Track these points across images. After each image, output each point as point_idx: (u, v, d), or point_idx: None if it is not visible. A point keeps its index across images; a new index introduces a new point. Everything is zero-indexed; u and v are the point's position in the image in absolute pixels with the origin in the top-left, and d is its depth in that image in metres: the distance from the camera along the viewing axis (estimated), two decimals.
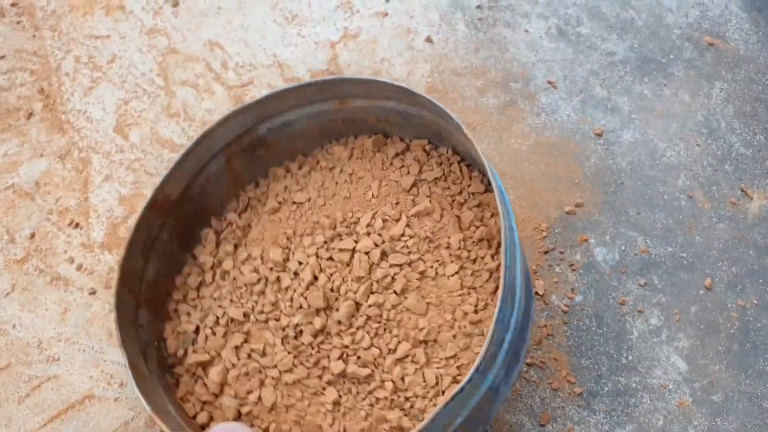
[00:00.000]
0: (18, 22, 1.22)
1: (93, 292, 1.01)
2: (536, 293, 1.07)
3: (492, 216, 0.87)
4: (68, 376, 0.95)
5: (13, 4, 1.23)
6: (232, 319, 0.87)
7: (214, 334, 0.88)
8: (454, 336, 0.79)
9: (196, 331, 0.89)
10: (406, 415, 0.77)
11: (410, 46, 1.27)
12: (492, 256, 0.83)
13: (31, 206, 1.07)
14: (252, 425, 0.82)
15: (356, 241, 0.85)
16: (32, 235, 1.05)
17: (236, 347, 0.86)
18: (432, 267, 0.83)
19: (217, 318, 0.88)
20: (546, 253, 1.11)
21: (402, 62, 1.26)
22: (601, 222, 1.14)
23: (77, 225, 1.06)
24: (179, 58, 1.21)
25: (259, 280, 0.88)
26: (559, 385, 1.01)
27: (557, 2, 1.37)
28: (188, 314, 0.91)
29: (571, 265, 1.10)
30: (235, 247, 0.93)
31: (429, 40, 1.29)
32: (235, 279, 0.90)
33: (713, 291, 1.09)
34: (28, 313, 0.99)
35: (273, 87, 1.20)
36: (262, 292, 0.87)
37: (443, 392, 0.76)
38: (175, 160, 0.89)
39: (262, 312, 0.86)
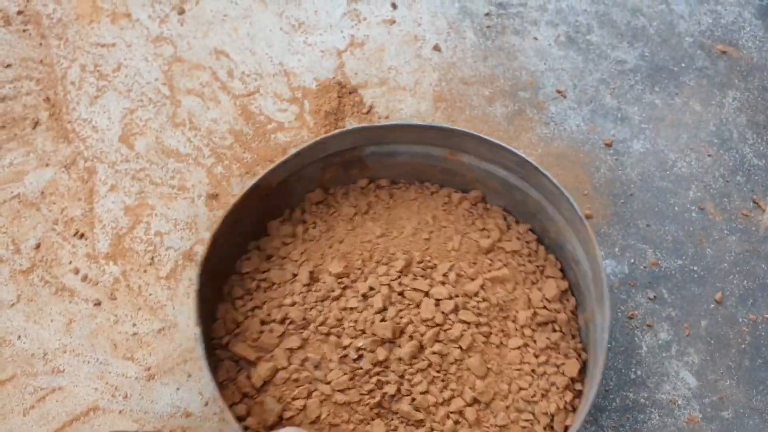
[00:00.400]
0: (24, 30, 1.22)
1: (98, 303, 1.01)
2: None
3: (561, 302, 0.93)
4: (73, 388, 0.95)
5: (19, 12, 1.23)
6: (292, 321, 0.87)
7: (271, 331, 0.88)
8: (507, 407, 0.83)
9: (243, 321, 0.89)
10: None
11: (418, 55, 1.26)
12: (554, 341, 0.89)
13: (36, 216, 1.06)
14: None
15: (431, 286, 0.88)
16: (37, 246, 1.04)
17: (291, 349, 0.86)
18: (497, 335, 0.88)
19: (273, 316, 0.88)
20: None
21: (409, 70, 1.25)
22: (610, 234, 1.13)
23: (82, 235, 1.05)
24: (185, 66, 1.20)
25: (325, 291, 0.89)
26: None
27: (567, 9, 1.35)
28: (242, 301, 0.91)
29: None
30: (303, 249, 0.94)
31: (437, 48, 1.28)
32: (297, 281, 0.90)
33: (724, 305, 1.08)
34: (33, 324, 0.99)
35: (279, 95, 1.19)
36: (327, 304, 0.88)
37: None
38: (290, 153, 0.92)
39: (323, 324, 0.87)
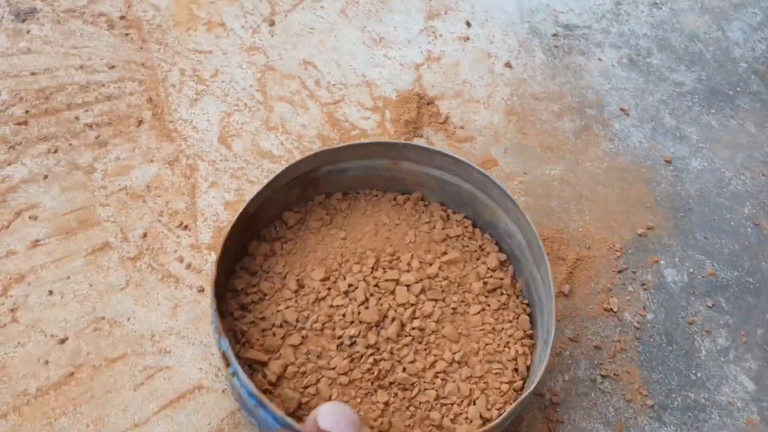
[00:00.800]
0: (126, 35, 1.31)
1: (201, 290, 1.09)
2: (611, 310, 1.14)
3: (502, 270, 1.11)
4: (179, 368, 1.03)
5: (121, 17, 1.32)
6: (289, 323, 1.00)
7: (273, 334, 1.00)
8: (480, 361, 1.01)
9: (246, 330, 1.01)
10: (444, 417, 0.96)
11: (491, 70, 1.35)
12: (503, 302, 1.07)
13: (142, 208, 1.15)
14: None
15: (400, 274, 1.06)
16: (144, 235, 1.13)
17: (294, 346, 0.99)
18: (460, 306, 1.05)
19: (272, 321, 1.01)
20: (620, 272, 1.17)
21: (482, 85, 1.33)
22: (671, 245, 1.21)
23: (186, 227, 1.14)
24: (276, 75, 1.29)
25: (313, 294, 1.03)
26: (632, 397, 1.07)
27: (629, 33, 1.44)
28: (242, 313, 1.02)
29: (643, 284, 1.17)
30: (284, 263, 1.08)
31: (508, 65, 1.36)
32: (286, 289, 1.04)
33: None
34: (141, 308, 1.07)
35: (362, 104, 1.28)
36: (317, 305, 1.02)
37: (474, 401, 0.97)
38: (268, 179, 1.03)
39: (317, 322, 1.01)
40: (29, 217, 1.12)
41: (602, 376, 1.08)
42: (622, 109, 1.34)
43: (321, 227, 1.12)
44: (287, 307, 1.02)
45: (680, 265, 1.19)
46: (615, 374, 1.09)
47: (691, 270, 1.19)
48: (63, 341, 1.03)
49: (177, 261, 1.11)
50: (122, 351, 1.04)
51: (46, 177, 1.16)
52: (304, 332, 1.00)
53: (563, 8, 1.47)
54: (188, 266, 1.11)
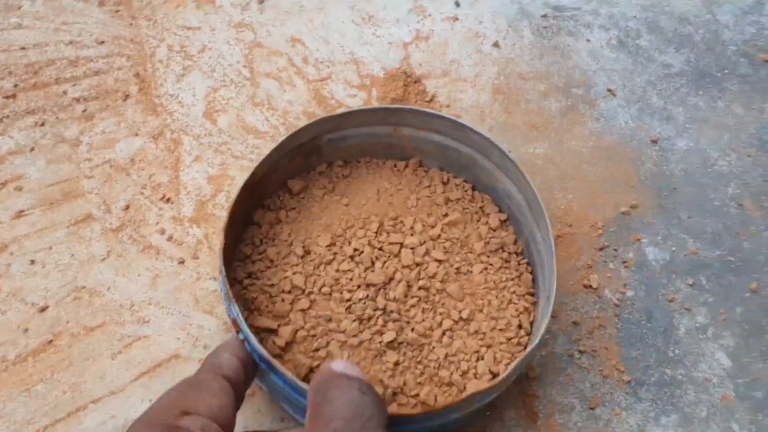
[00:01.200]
0: (116, 11, 1.32)
1: (182, 262, 1.10)
2: (590, 286, 1.14)
3: (503, 230, 1.13)
4: (157, 337, 1.04)
5: None
6: (297, 287, 1.02)
7: (282, 300, 1.01)
8: (485, 318, 1.03)
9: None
10: (453, 374, 0.98)
11: (479, 50, 1.35)
12: (505, 260, 1.09)
13: (126, 180, 1.16)
14: None
15: (404, 237, 1.08)
16: (127, 207, 1.14)
17: (303, 311, 1.00)
18: (463, 265, 1.07)
19: (280, 287, 1.02)
20: (601, 249, 1.17)
21: (470, 64, 1.33)
22: (653, 223, 1.20)
23: (168, 200, 1.15)
24: (264, 51, 1.30)
25: (319, 259, 1.05)
26: (609, 373, 1.07)
27: (618, 15, 1.43)
28: (250, 280, 1.03)
29: (624, 262, 1.17)
30: (289, 230, 1.09)
31: (496, 44, 1.36)
32: (293, 254, 1.05)
33: (759, 294, 1.15)
34: (121, 278, 1.08)
35: (349, 82, 1.29)
36: (324, 269, 1.04)
37: (482, 357, 0.99)
38: (271, 148, 1.04)
39: (325, 286, 1.02)
40: (14, 189, 1.13)
41: (580, 351, 1.09)
42: (609, 90, 1.34)
43: (324, 195, 1.13)
44: (294, 273, 1.03)
45: (662, 244, 1.19)
46: (593, 350, 1.09)
47: (673, 248, 1.18)
48: (43, 309, 1.04)
49: (158, 233, 1.12)
50: (101, 320, 1.05)
51: (32, 149, 1.17)
52: (311, 297, 1.01)
53: None
54: (169, 238, 1.12)
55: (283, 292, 1.02)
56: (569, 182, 1.23)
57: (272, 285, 1.02)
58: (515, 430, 1.01)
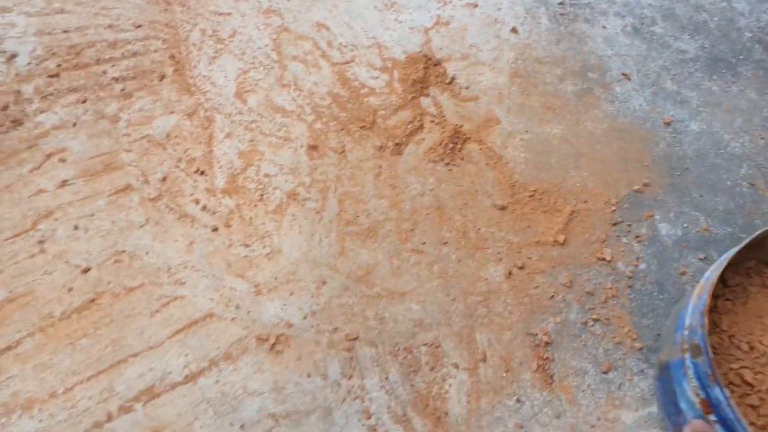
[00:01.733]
0: None
1: (215, 229, 1.16)
2: (604, 259, 1.18)
3: None
4: (192, 298, 1.10)
5: None
6: (745, 382, 0.97)
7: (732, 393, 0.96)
8: None
9: None
10: None
11: (497, 35, 1.40)
12: None
13: (162, 154, 1.23)
14: None
15: None
16: (164, 179, 1.21)
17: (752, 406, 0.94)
18: None
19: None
20: (614, 225, 1.22)
21: (489, 48, 1.39)
22: (666, 201, 1.25)
23: (202, 172, 1.21)
24: (291, 36, 1.36)
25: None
26: (622, 340, 1.12)
27: (633, 2, 1.48)
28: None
29: (637, 237, 1.21)
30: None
31: (514, 30, 1.41)
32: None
33: None
34: (159, 243, 1.15)
35: (372, 65, 1.35)
36: None
37: None
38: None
39: None
40: (58, 160, 1.20)
41: (593, 319, 1.13)
42: (624, 74, 1.38)
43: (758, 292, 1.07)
44: (741, 367, 0.98)
45: (675, 220, 1.23)
46: (606, 319, 1.13)
47: (686, 225, 1.22)
48: (86, 271, 1.11)
49: (193, 203, 1.19)
50: (140, 281, 1.12)
51: (74, 124, 1.24)
52: (760, 394, 0.95)
53: None
54: (203, 208, 1.18)
55: (731, 384, 0.97)
56: (584, 161, 1.28)
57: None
58: (531, 390, 1.06)
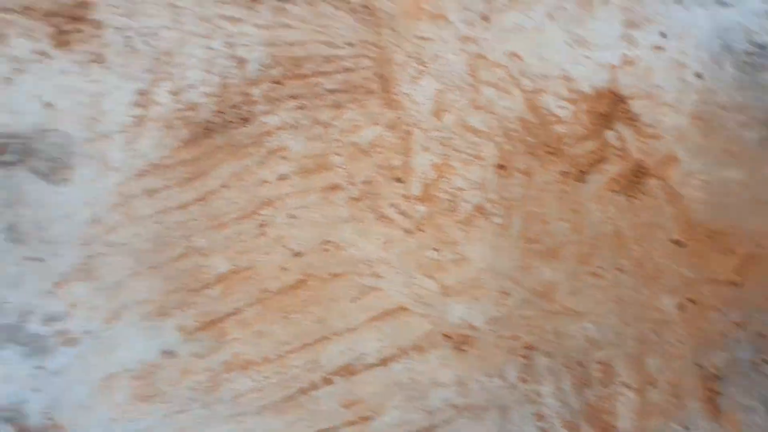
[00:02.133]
0: (364, 20, 1.56)
1: (409, 232, 1.30)
2: None
3: None
4: (388, 290, 1.24)
5: (363, 6, 1.57)
6: None
7: None
8: None
9: None
10: None
11: (681, 78, 1.47)
12: None
13: (366, 160, 1.38)
14: None
15: None
16: (366, 182, 1.36)
17: None
18: None
19: None
20: None
21: (673, 90, 1.45)
22: None
23: (400, 180, 1.35)
24: (486, 63, 1.49)
25: None
26: None
27: None
28: None
29: None
30: None
31: (698, 75, 1.47)
32: None
33: None
34: (359, 238, 1.30)
35: (560, 95, 1.45)
36: None
37: None
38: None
39: None
40: (280, 157, 1.38)
41: (764, 361, 1.17)
42: None
43: None
44: None
45: None
46: None
47: None
48: (298, 254, 1.28)
49: (391, 206, 1.33)
50: (344, 270, 1.27)
51: (294, 127, 1.42)
52: None
53: (758, 29, 1.56)
54: (400, 212, 1.32)
55: None
56: (763, 208, 1.32)
57: None
58: (698, 420, 1.12)
